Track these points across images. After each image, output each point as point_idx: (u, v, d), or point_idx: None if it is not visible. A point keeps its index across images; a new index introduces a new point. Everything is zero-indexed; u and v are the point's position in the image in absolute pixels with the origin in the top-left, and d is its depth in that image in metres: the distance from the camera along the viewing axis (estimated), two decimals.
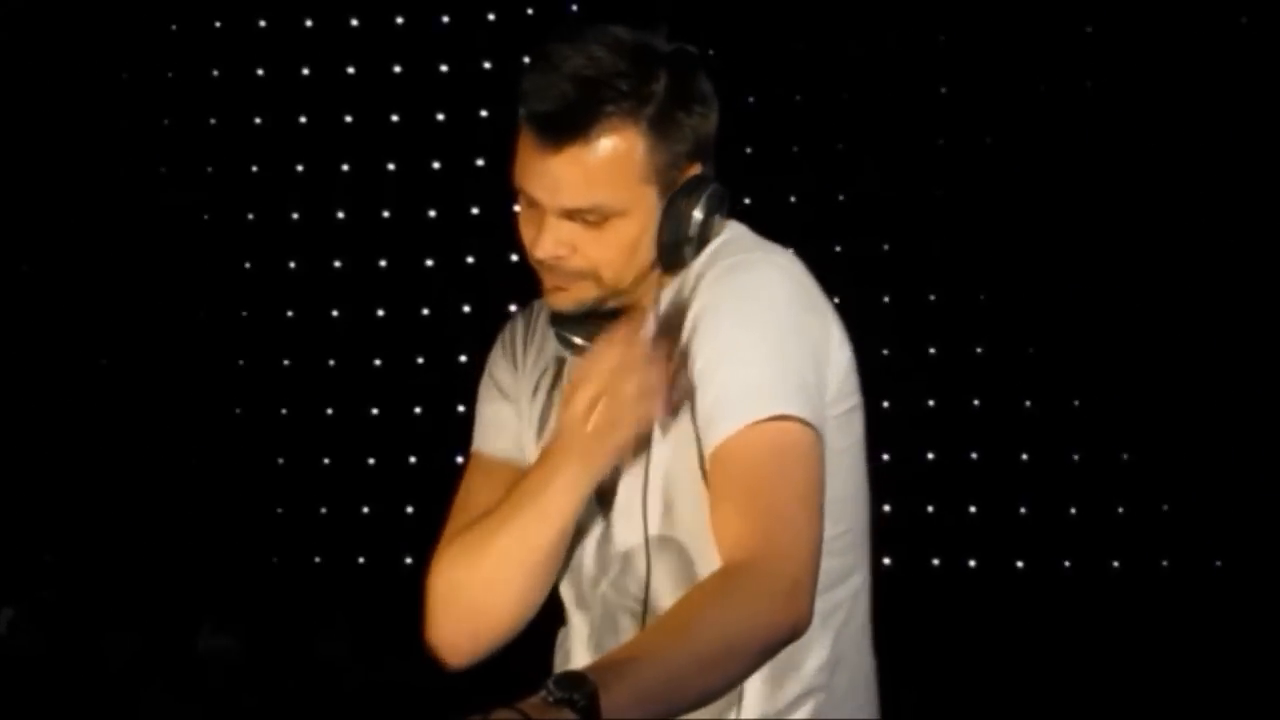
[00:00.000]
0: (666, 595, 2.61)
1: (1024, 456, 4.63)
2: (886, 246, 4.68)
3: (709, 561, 2.57)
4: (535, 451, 2.76)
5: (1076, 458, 4.61)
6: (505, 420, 2.84)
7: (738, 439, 2.51)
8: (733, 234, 2.68)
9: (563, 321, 2.68)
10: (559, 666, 2.78)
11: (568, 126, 2.56)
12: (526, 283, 2.71)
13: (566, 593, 2.75)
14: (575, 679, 2.36)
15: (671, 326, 2.62)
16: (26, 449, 4.92)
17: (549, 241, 2.60)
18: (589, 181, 2.57)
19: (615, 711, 2.40)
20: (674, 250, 2.62)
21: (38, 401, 4.92)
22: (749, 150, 4.71)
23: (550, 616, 2.79)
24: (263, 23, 4.88)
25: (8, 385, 4.92)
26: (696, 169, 2.63)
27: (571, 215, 2.59)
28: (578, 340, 2.66)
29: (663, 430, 2.61)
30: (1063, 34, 4.57)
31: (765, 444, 2.52)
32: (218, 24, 4.88)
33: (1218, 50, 4.50)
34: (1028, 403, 4.64)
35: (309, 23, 4.86)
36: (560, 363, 2.76)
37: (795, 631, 2.48)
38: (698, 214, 2.61)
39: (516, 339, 2.85)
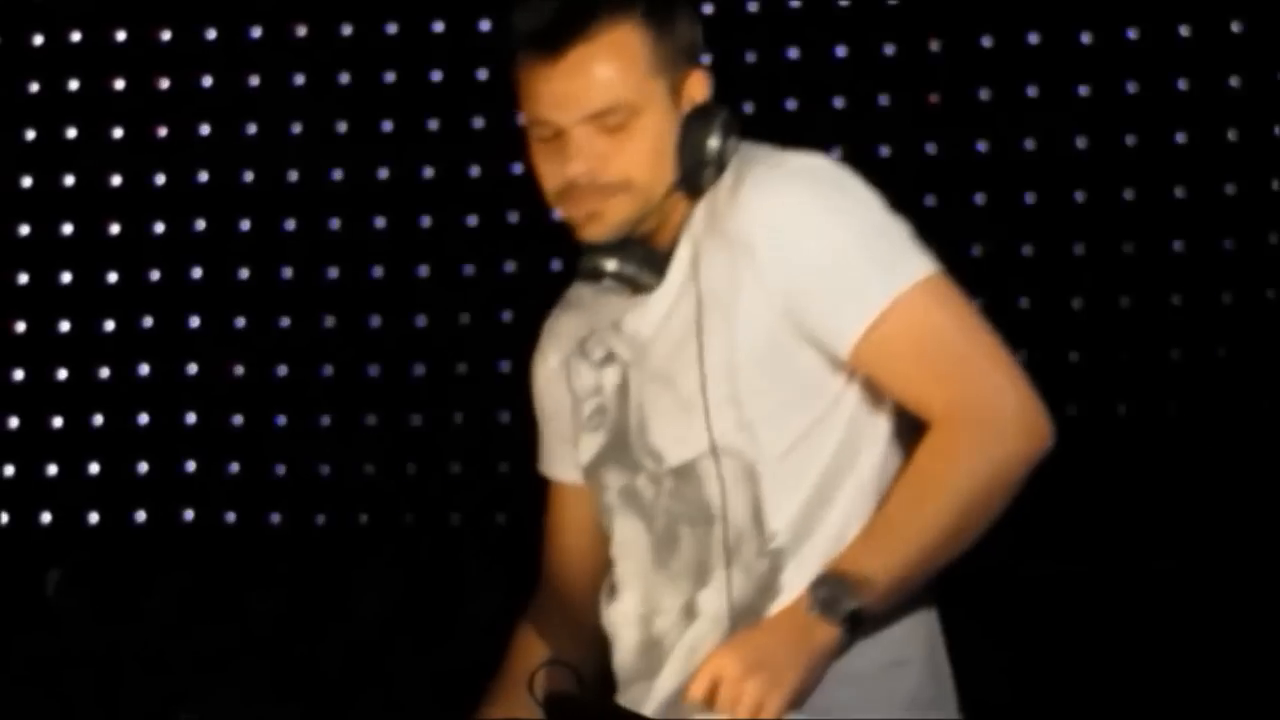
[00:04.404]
0: (728, 493, 2.61)
1: None
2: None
3: (765, 453, 2.58)
4: (574, 431, 2.77)
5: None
6: (548, 438, 2.88)
7: (887, 320, 2.53)
8: (751, 147, 2.68)
9: (595, 253, 2.67)
10: (608, 591, 2.78)
11: (567, 30, 2.57)
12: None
13: (624, 520, 2.73)
14: (835, 587, 2.41)
15: (714, 242, 2.61)
16: (66, 411, 4.93)
17: (579, 157, 2.59)
18: (603, 80, 2.58)
19: (880, 602, 2.43)
20: (696, 172, 2.61)
21: (81, 362, 4.93)
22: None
23: None
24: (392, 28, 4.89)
25: (45, 342, 4.93)
26: (699, 74, 2.64)
27: (593, 122, 2.59)
28: (610, 265, 2.65)
29: (716, 338, 2.60)
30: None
31: (915, 312, 2.54)
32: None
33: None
34: None
35: (392, 29, 4.86)
36: (584, 340, 2.77)
37: (1044, 449, 2.51)
38: (714, 141, 2.62)
39: (547, 337, 2.88)
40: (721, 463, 2.60)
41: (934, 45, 4.63)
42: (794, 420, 2.59)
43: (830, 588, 2.42)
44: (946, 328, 2.53)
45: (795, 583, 2.56)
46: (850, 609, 2.41)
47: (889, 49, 4.67)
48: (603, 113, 2.58)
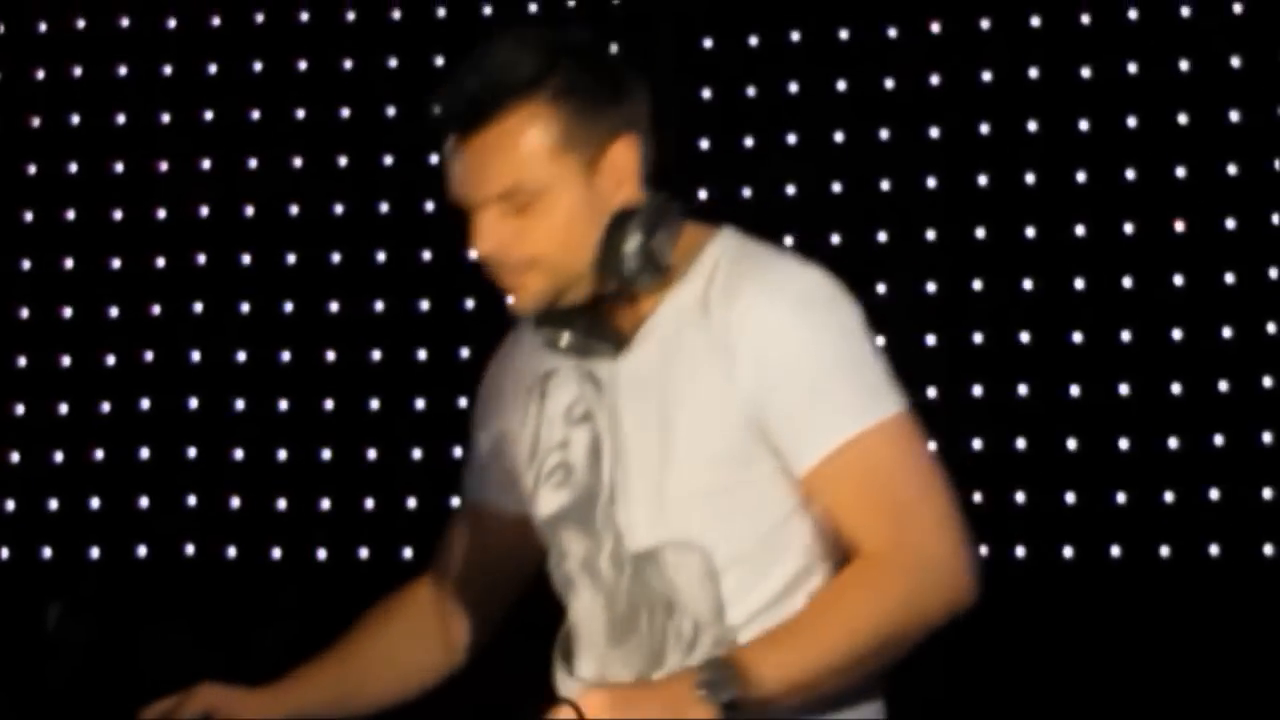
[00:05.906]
0: (691, 587, 2.63)
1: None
2: (884, 237, 4.68)
3: (728, 551, 2.61)
4: (530, 477, 2.78)
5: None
6: (490, 465, 2.89)
7: (846, 453, 2.57)
8: (746, 245, 2.70)
9: (547, 321, 2.70)
10: (562, 654, 2.78)
11: (473, 115, 2.61)
12: None
13: (584, 593, 2.74)
14: (724, 673, 2.44)
15: (697, 338, 2.63)
16: (64, 447, 4.93)
17: (485, 237, 2.62)
18: (501, 164, 2.61)
19: (760, 702, 2.46)
20: (619, 275, 2.63)
21: (78, 396, 4.93)
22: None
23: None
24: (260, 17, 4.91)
25: (47, 376, 4.93)
26: (624, 143, 2.64)
27: (501, 203, 2.61)
28: (564, 339, 2.68)
29: (677, 426, 2.63)
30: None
31: (874, 451, 2.58)
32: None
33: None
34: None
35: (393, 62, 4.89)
36: (545, 379, 2.77)
37: (964, 605, 2.55)
38: (630, 245, 2.62)
39: (501, 366, 2.88)
40: (684, 557, 2.63)
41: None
42: (756, 523, 2.63)
43: (719, 673, 2.45)
44: (898, 470, 2.57)
45: None
46: (730, 698, 2.43)
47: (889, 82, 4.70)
48: (504, 195, 2.61)
